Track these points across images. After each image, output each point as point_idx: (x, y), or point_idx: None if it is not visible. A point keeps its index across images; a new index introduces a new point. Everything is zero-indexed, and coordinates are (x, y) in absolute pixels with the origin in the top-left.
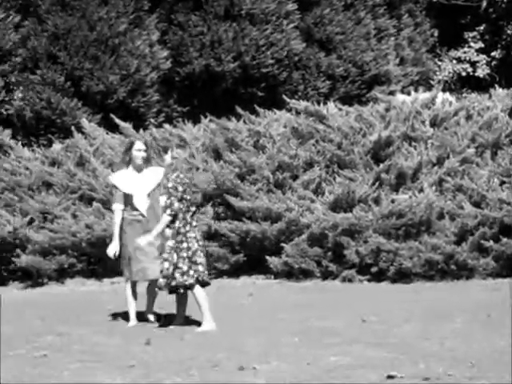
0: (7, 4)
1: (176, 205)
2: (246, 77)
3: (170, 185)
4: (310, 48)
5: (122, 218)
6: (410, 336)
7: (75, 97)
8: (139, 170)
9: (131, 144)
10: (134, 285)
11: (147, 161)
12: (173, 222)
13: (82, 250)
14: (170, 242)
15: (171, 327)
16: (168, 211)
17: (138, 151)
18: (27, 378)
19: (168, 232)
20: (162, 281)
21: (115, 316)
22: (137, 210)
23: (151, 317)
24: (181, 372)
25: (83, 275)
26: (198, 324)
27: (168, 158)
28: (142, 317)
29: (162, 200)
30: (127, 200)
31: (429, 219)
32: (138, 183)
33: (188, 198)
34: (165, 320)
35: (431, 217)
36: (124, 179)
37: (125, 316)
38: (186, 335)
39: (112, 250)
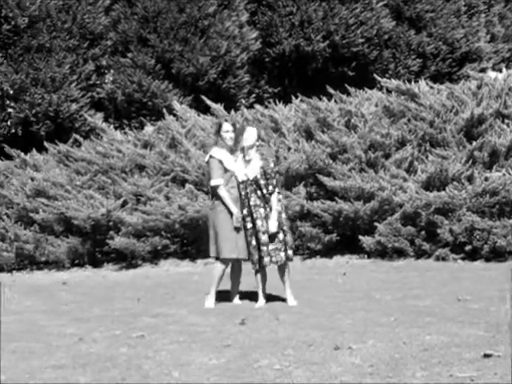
0: None
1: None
2: (336, 56)
3: (271, 165)
4: (400, 26)
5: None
6: (507, 315)
7: (166, 79)
8: (231, 150)
9: (219, 126)
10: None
11: (235, 140)
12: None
13: (175, 232)
14: (284, 215)
15: (257, 306)
16: (277, 189)
17: (226, 132)
18: (124, 358)
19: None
20: (282, 254)
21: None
22: (235, 188)
23: (237, 298)
24: (276, 352)
25: (177, 256)
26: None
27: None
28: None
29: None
30: (225, 178)
31: None
32: (232, 162)
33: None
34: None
35: None
36: (224, 157)
37: (219, 296)
38: (281, 315)
39: (238, 219)
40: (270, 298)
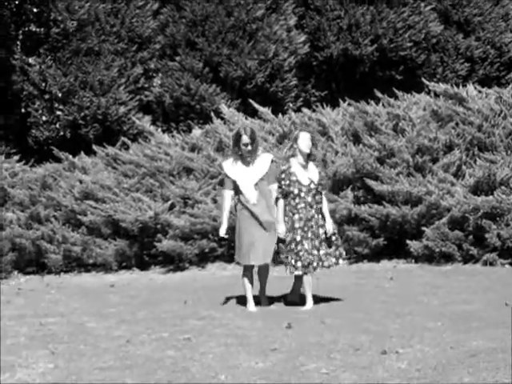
0: None
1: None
2: (384, 60)
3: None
4: (448, 30)
5: (235, 205)
6: None
7: (214, 82)
8: (247, 161)
9: (239, 137)
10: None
11: (253, 153)
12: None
13: None
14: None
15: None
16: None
17: (245, 146)
18: (171, 360)
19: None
20: (333, 259)
21: (257, 299)
22: (245, 198)
23: (265, 300)
24: (323, 355)
25: (224, 260)
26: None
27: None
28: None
29: (273, 188)
30: (237, 188)
31: None
32: (245, 173)
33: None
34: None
35: None
36: (233, 168)
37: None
38: (327, 319)
39: (222, 231)
40: (315, 300)
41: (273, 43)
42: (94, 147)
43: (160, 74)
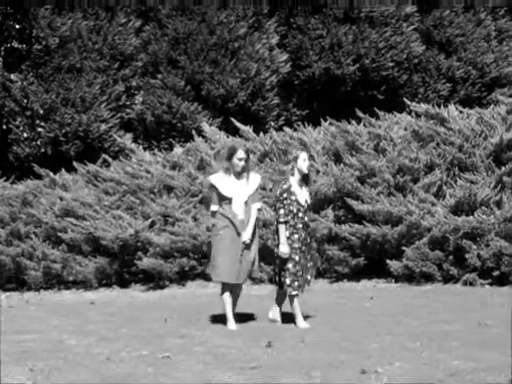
0: (128, 9)
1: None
2: (366, 79)
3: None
4: (430, 50)
5: (212, 224)
6: None
7: (195, 100)
8: (237, 176)
9: (233, 151)
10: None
11: (246, 169)
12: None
13: (202, 253)
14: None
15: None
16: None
17: (239, 160)
18: (151, 378)
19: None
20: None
21: (237, 318)
22: (233, 212)
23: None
24: (302, 374)
25: (204, 278)
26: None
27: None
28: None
29: (255, 207)
30: (223, 201)
31: None
32: (236, 188)
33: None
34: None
35: None
36: (223, 182)
37: (245, 318)
38: (307, 337)
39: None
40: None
41: (255, 62)
42: (75, 164)
43: (142, 92)
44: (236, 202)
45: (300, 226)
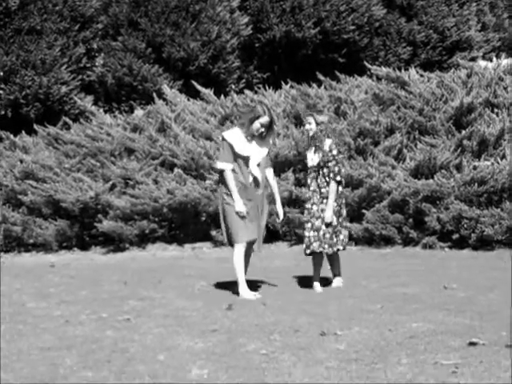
0: None
1: (343, 171)
2: (327, 43)
3: (334, 152)
4: (391, 14)
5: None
6: (493, 304)
7: (156, 63)
8: (250, 139)
9: (257, 116)
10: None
11: (268, 136)
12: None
13: (163, 216)
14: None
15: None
16: (338, 177)
17: (261, 126)
18: (110, 341)
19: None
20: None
21: (196, 280)
22: (250, 174)
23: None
24: (262, 337)
25: (164, 241)
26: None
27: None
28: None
29: (269, 172)
30: (237, 163)
31: (511, 186)
32: (252, 149)
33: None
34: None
35: None
36: (239, 141)
37: (207, 281)
38: (268, 300)
39: (242, 207)
40: (256, 284)
41: (216, 24)
42: (36, 127)
43: (102, 54)
44: (252, 161)
45: (340, 189)
